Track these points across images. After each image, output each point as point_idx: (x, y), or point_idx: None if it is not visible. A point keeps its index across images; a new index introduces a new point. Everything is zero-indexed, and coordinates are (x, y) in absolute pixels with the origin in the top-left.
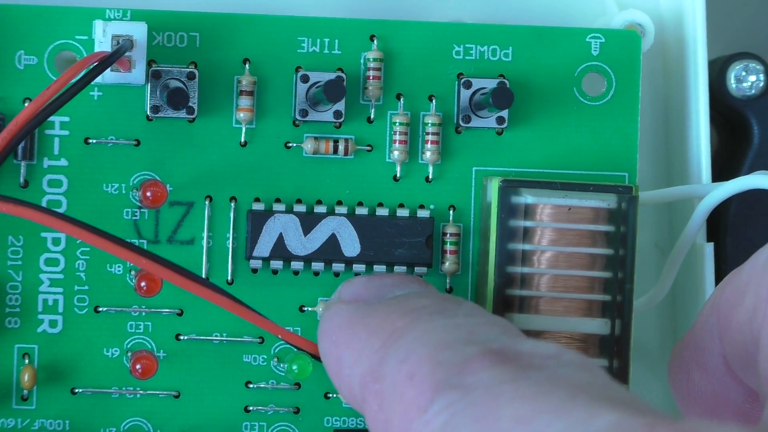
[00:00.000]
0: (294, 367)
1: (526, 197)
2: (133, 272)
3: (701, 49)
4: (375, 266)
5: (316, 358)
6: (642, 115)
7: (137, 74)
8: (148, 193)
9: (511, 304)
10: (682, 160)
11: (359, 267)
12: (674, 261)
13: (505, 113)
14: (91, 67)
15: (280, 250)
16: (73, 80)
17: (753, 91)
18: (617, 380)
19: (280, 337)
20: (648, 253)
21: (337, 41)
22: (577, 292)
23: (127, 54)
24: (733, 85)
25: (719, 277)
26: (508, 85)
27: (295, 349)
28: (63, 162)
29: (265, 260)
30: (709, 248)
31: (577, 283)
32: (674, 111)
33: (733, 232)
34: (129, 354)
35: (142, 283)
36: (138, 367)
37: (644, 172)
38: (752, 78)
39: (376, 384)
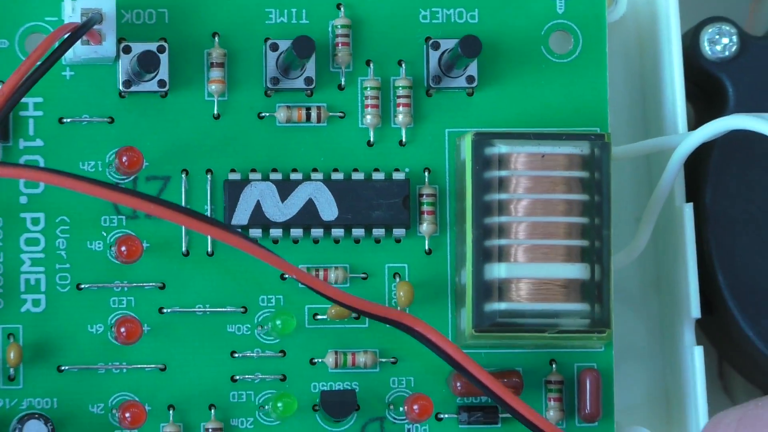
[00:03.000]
0: (278, 322)
1: (500, 147)
2: (113, 248)
3: (674, 13)
4: (353, 229)
5: (336, 301)
6: (617, 81)
7: (108, 46)
8: (124, 158)
9: (491, 254)
10: (658, 120)
11: (338, 231)
12: (653, 209)
13: (474, 71)
14: (62, 40)
15: (258, 217)
16: (45, 56)
17: (726, 54)
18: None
19: (295, 277)
20: (629, 224)
21: (304, 11)
22: (556, 238)
23: (96, 27)
24: (707, 49)
25: (699, 234)
26: None
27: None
28: (39, 142)
29: (244, 228)
30: (689, 208)
31: (555, 230)
32: (649, 75)
33: (713, 187)
34: (113, 329)
35: (123, 248)
36: (122, 330)
37: (621, 136)
38: (725, 40)
39: None
